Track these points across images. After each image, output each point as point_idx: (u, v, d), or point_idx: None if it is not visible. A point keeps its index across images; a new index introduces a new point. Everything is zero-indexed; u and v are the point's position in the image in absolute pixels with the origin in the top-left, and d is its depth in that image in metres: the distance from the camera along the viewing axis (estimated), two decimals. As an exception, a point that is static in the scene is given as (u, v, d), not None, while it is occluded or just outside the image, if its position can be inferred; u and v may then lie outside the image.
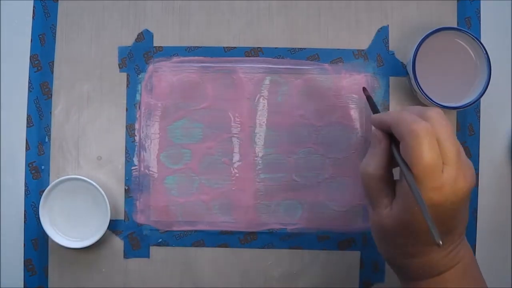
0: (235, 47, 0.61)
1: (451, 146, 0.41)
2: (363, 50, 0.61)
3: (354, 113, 0.60)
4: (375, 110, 0.53)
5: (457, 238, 0.46)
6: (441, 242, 0.38)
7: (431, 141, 0.40)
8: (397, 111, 0.45)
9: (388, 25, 0.61)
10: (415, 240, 0.44)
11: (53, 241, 0.58)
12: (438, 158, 0.41)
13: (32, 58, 0.60)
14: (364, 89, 0.57)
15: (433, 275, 0.46)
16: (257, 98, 0.60)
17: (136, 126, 0.60)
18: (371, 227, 0.47)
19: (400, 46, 0.60)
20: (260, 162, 0.60)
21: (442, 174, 0.41)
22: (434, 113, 0.43)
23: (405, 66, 0.60)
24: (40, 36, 0.61)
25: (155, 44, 0.61)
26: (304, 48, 0.61)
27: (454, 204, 0.42)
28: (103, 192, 0.56)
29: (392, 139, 0.45)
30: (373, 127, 0.47)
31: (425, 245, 0.44)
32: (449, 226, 0.44)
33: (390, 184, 0.45)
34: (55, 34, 0.61)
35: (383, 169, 0.45)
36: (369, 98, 0.55)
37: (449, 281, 0.46)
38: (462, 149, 0.44)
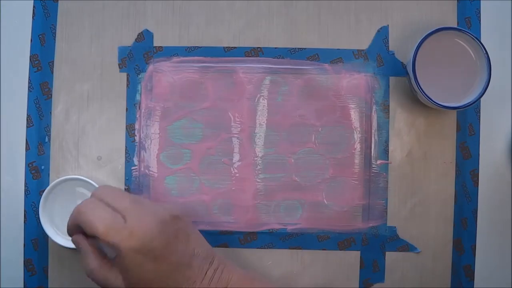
0: (235, 47, 0.61)
1: (122, 200, 0.47)
2: (363, 50, 0.61)
3: (354, 113, 0.60)
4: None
5: (206, 265, 0.48)
6: None
7: (98, 207, 0.46)
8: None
9: (388, 25, 0.61)
10: None
11: (53, 241, 0.58)
12: (112, 215, 0.45)
13: (32, 58, 0.60)
14: None
15: None
16: (257, 98, 0.60)
17: (136, 126, 0.60)
18: None
19: (400, 46, 0.60)
20: (260, 162, 0.60)
21: (126, 223, 0.45)
22: (96, 190, 0.49)
23: (405, 66, 0.60)
24: (40, 36, 0.61)
25: (155, 44, 0.61)
26: (304, 48, 0.61)
27: (155, 238, 0.45)
28: (103, 192, 0.56)
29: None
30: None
31: (176, 286, 0.47)
32: (174, 259, 0.46)
33: (112, 265, 0.48)
34: (55, 34, 0.61)
35: (96, 259, 0.48)
36: None
37: None
38: (142, 199, 0.50)
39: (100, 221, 0.45)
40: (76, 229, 0.49)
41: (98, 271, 0.47)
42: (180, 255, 0.47)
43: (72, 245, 0.57)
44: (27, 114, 0.60)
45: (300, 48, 0.61)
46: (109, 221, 0.45)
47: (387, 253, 0.60)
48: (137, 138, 0.60)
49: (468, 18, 0.60)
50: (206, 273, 0.48)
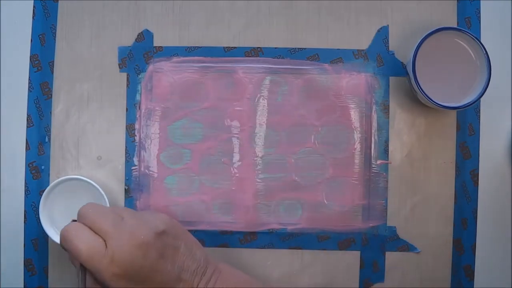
0: (235, 47, 0.61)
1: (103, 222, 0.45)
2: (363, 50, 0.61)
3: (354, 113, 0.60)
4: None
5: (197, 277, 0.47)
6: None
7: (78, 233, 0.45)
8: None
9: (388, 25, 0.61)
10: None
11: (53, 241, 0.58)
12: (93, 242, 0.44)
13: (32, 58, 0.60)
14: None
15: None
16: (257, 98, 0.60)
17: (136, 126, 0.60)
18: None
19: (400, 46, 0.60)
20: (260, 162, 0.60)
21: (106, 249, 0.44)
22: (81, 209, 0.47)
23: (405, 66, 0.60)
24: (40, 36, 0.61)
25: (155, 44, 0.61)
26: (304, 48, 0.61)
27: (138, 261, 0.44)
28: (103, 192, 0.56)
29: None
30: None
31: None
32: (164, 277, 0.45)
33: None
34: (55, 34, 0.61)
35: (91, 282, 0.46)
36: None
37: None
38: (128, 213, 0.47)
39: (82, 247, 0.44)
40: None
41: None
42: (167, 273, 0.46)
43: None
44: (27, 114, 0.60)
45: (300, 48, 0.61)
46: (90, 247, 0.44)
47: (387, 253, 0.60)
48: (137, 138, 0.60)
49: (468, 18, 0.60)
50: (199, 284, 0.47)
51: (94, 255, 0.44)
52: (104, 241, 0.44)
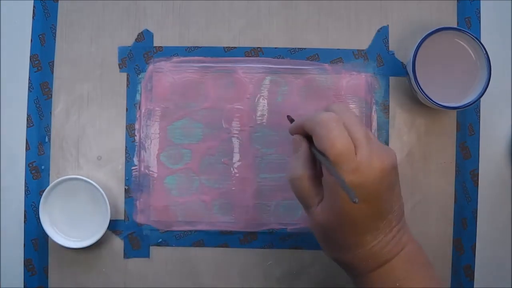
0: (235, 47, 0.61)
1: (359, 130, 0.44)
2: (363, 50, 0.61)
3: (354, 113, 0.60)
4: (292, 120, 0.53)
5: (395, 223, 0.46)
6: (357, 200, 0.40)
7: (338, 127, 0.43)
8: (306, 115, 0.47)
9: (388, 25, 0.61)
10: (353, 230, 0.45)
11: (53, 241, 0.58)
12: (348, 142, 0.43)
13: (32, 58, 0.60)
14: (288, 116, 0.55)
15: (380, 264, 0.46)
16: (257, 98, 0.60)
17: (136, 126, 0.60)
18: (311, 229, 0.48)
19: (400, 46, 0.60)
20: (260, 162, 0.60)
21: (356, 156, 0.43)
22: (336, 105, 0.46)
23: (405, 66, 0.60)
24: (40, 36, 0.61)
25: (155, 44, 0.61)
26: (304, 48, 0.61)
27: (374, 184, 0.43)
28: (103, 192, 0.56)
29: (310, 140, 0.46)
30: (292, 136, 0.49)
31: (364, 233, 0.45)
32: (379, 208, 0.45)
33: (318, 183, 0.46)
34: (55, 34, 0.61)
35: (309, 169, 0.46)
36: (288, 117, 0.55)
37: (396, 268, 0.46)
38: (372, 134, 0.47)
39: (335, 142, 0.42)
40: (301, 131, 0.47)
41: (304, 181, 0.46)
42: (386, 206, 0.45)
43: (72, 245, 0.57)
44: (27, 114, 0.60)
45: (300, 48, 0.61)
46: (343, 147, 0.42)
47: (387, 253, 0.59)
48: (137, 138, 0.60)
49: (468, 18, 0.60)
50: (392, 230, 0.46)
51: (343, 156, 0.42)
52: (355, 147, 0.43)
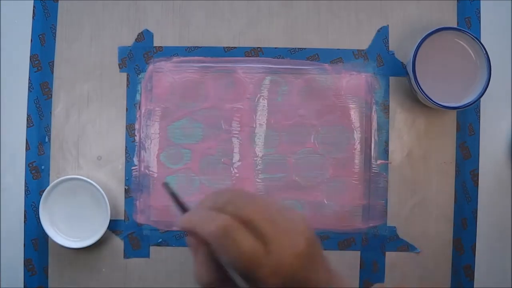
0: (235, 47, 0.61)
1: (260, 224, 0.38)
2: (363, 50, 0.61)
3: (354, 113, 0.60)
4: (182, 209, 0.43)
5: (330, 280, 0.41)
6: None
7: (238, 234, 0.37)
8: (193, 210, 0.41)
9: (388, 25, 0.61)
10: None
11: (53, 241, 0.58)
12: (253, 246, 0.37)
13: (32, 58, 0.60)
14: (164, 185, 0.45)
15: None
16: (257, 98, 0.60)
17: (136, 126, 0.60)
18: None
19: (400, 46, 0.60)
20: (260, 162, 0.60)
21: (268, 257, 0.37)
22: (230, 195, 0.39)
23: (405, 66, 0.60)
24: (40, 36, 0.61)
25: (155, 44, 0.61)
26: (304, 48, 0.61)
27: (297, 274, 0.38)
28: (103, 192, 0.56)
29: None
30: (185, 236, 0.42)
31: None
32: (318, 283, 0.40)
33: (222, 281, 0.40)
34: (55, 34, 0.61)
35: (217, 271, 0.40)
36: (172, 195, 0.44)
37: None
38: (274, 211, 0.39)
39: (245, 250, 0.37)
40: (190, 230, 0.40)
41: (210, 284, 0.40)
42: (318, 280, 0.40)
43: (72, 245, 0.57)
44: (27, 114, 0.60)
45: (300, 48, 0.61)
46: (252, 252, 0.37)
47: (387, 253, 0.60)
48: (137, 138, 0.60)
49: (468, 18, 0.60)
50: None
51: (254, 261, 0.37)
52: (263, 244, 0.38)
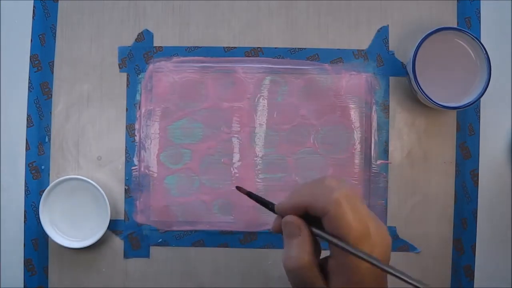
0: (235, 47, 0.61)
1: (363, 205, 0.39)
2: (363, 50, 0.61)
3: (354, 113, 0.60)
4: (269, 203, 0.44)
5: None
6: (429, 284, 0.36)
7: (355, 205, 0.38)
8: (297, 190, 0.42)
9: (388, 25, 0.61)
10: None
11: (53, 241, 0.58)
12: (365, 222, 0.38)
13: (32, 58, 0.60)
14: (238, 188, 0.48)
15: None
16: (257, 98, 0.60)
17: (136, 126, 0.60)
18: None
19: (400, 46, 0.60)
20: (260, 162, 0.60)
21: (370, 236, 0.38)
22: (336, 182, 0.40)
23: (405, 66, 0.60)
24: (40, 36, 0.61)
25: (155, 44, 0.61)
26: (304, 48, 0.61)
27: (385, 261, 0.39)
28: (103, 192, 0.56)
29: (306, 220, 0.41)
30: (282, 219, 0.42)
31: None
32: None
33: (319, 268, 0.40)
34: (55, 34, 0.61)
35: (313, 254, 0.40)
36: (251, 195, 0.46)
37: None
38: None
39: (354, 226, 0.37)
40: (296, 210, 0.40)
41: (313, 270, 0.40)
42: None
43: (72, 245, 0.57)
44: (27, 114, 0.60)
45: (300, 48, 0.61)
46: (363, 231, 0.38)
47: (387, 253, 0.59)
48: (137, 138, 0.60)
49: (468, 18, 0.60)
50: None
51: (362, 237, 0.38)
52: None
